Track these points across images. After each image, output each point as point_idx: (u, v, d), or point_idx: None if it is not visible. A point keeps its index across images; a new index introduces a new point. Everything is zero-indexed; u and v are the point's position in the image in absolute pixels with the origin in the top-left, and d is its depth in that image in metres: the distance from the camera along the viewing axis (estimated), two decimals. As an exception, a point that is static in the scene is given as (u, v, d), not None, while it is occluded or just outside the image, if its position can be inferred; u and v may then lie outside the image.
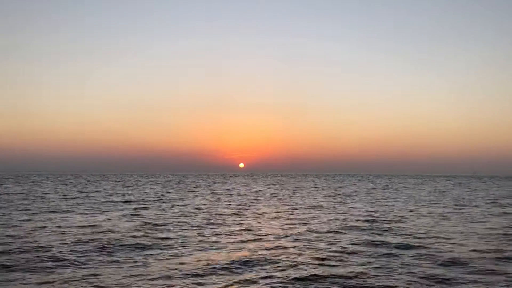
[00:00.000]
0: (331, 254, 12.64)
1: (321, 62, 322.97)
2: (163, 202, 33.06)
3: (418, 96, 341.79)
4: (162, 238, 15.22)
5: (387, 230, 17.57)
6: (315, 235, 16.32)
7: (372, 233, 16.87)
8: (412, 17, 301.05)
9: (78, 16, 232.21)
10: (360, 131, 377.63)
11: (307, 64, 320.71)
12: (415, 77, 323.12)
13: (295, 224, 19.70)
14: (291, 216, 23.13)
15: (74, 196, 38.55)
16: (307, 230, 17.51)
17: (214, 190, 53.63)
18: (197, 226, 18.77)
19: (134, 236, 15.43)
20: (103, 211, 24.99)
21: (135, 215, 23.11)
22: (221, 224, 19.61)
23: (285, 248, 13.52)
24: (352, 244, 14.36)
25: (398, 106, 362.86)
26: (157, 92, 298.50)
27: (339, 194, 45.61)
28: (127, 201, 33.02)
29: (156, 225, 18.77)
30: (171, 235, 16.08)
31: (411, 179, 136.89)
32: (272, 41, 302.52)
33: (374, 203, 33.59)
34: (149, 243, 14.25)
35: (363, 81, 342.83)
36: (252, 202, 33.58)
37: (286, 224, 19.59)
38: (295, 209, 27.87)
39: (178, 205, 29.74)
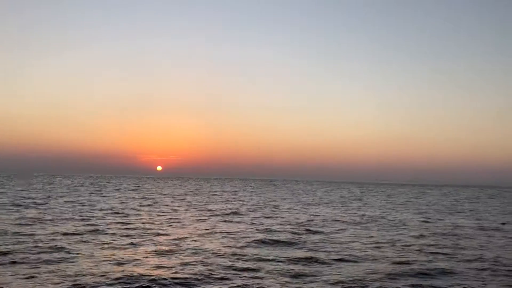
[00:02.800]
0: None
1: (248, 66, 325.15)
2: None
3: (345, 105, 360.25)
4: None
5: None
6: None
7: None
8: (348, 29, 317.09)
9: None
10: (287, 136, 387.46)
11: (232, 68, 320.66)
12: (345, 87, 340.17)
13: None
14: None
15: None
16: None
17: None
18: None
19: None
20: None
21: None
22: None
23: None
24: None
25: (327, 113, 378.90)
26: (73, 91, 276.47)
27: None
28: None
29: None
30: None
31: (320, 185, 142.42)
32: (197, 43, 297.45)
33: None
34: None
35: (291, 86, 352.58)
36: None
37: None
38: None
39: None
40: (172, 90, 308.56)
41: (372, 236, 19.45)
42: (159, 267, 11.84)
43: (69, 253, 13.26)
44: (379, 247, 16.40)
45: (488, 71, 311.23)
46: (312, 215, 29.60)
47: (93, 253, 13.43)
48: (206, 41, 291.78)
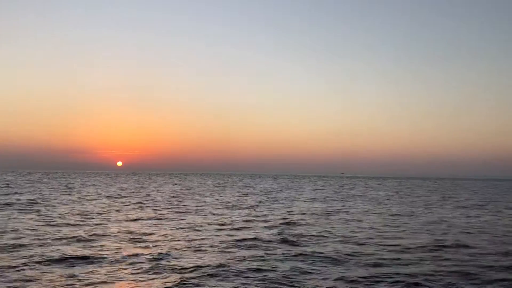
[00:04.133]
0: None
1: (213, 63, 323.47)
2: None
3: (311, 100, 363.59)
4: None
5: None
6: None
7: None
8: (314, 26, 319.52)
9: None
10: (254, 132, 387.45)
11: (198, 65, 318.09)
12: (310, 83, 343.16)
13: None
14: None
15: None
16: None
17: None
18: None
19: None
20: None
21: None
22: None
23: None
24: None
25: (293, 108, 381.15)
26: (26, 85, 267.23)
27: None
28: None
29: None
30: None
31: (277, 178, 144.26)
32: (166, 38, 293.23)
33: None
34: None
35: (258, 84, 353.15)
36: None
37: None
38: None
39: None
40: (133, 84, 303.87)
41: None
42: None
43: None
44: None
45: (443, 70, 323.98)
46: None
47: None
48: (168, 36, 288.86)
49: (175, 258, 11.48)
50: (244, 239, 14.54)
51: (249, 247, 13.28)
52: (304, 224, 19.09)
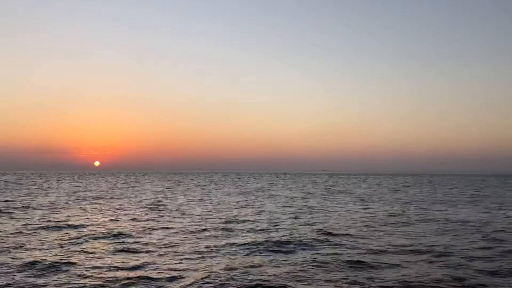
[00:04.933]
0: None
1: (198, 61, 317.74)
2: None
3: (293, 99, 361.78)
4: None
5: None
6: None
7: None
8: (305, 26, 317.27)
9: None
10: (236, 130, 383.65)
11: (182, 61, 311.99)
12: (293, 82, 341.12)
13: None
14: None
15: None
16: None
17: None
18: None
19: None
20: None
21: None
22: None
23: None
24: None
25: (275, 107, 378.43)
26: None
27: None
28: None
29: None
30: None
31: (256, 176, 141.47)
32: (145, 36, 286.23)
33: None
34: None
35: (242, 81, 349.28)
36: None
37: None
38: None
39: None
40: (112, 84, 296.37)
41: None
42: None
43: None
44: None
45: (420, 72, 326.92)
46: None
47: None
48: (147, 33, 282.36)
49: None
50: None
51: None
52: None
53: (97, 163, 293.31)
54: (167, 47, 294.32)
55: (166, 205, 27.08)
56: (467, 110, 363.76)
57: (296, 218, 19.75)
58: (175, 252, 11.40)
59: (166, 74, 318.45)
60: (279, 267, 9.66)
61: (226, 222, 18.00)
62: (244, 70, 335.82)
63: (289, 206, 26.46)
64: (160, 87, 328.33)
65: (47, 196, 35.25)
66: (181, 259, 10.47)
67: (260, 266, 9.69)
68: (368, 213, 22.70)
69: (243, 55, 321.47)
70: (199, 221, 18.27)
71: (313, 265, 9.87)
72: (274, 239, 13.16)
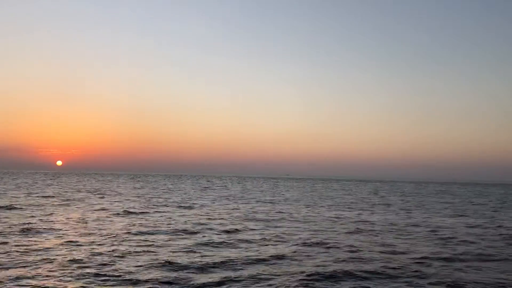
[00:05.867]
0: None
1: (161, 62, 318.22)
2: None
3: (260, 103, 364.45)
4: None
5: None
6: None
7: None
8: (277, 29, 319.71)
9: None
10: (200, 132, 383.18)
11: (144, 62, 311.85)
12: (260, 85, 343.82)
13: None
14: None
15: None
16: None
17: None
18: None
19: None
20: None
21: None
22: None
23: None
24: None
25: (240, 111, 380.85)
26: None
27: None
28: None
29: None
30: None
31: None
32: (107, 34, 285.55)
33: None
34: None
35: (208, 84, 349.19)
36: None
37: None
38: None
39: None
40: (77, 83, 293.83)
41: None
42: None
43: None
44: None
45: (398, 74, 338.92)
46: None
47: None
48: (108, 32, 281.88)
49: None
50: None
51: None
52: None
53: (59, 163, 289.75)
54: (132, 46, 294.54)
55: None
56: (442, 119, 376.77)
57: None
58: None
59: (129, 74, 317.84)
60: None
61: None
62: (207, 72, 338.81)
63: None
64: (123, 88, 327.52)
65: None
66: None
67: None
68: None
69: (211, 57, 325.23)
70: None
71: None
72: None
